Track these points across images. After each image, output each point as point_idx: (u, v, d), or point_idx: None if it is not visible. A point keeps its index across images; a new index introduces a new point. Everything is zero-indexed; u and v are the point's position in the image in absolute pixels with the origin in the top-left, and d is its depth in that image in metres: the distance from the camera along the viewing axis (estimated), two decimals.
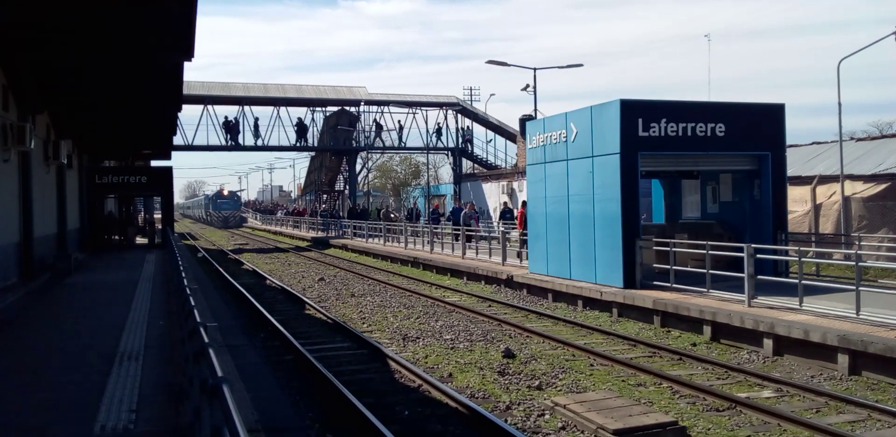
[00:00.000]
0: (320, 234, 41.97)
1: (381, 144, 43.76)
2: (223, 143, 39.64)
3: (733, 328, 10.68)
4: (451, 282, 19.79)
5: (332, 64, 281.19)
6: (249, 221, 74.57)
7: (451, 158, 46.28)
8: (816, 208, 20.53)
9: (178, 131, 32.39)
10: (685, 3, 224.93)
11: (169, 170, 30.50)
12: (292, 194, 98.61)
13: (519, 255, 19.55)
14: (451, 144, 44.42)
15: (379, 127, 42.79)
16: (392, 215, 33.51)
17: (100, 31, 11.99)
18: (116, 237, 30.58)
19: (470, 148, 44.66)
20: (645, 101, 14.26)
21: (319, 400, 8.21)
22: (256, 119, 40.25)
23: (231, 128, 39.45)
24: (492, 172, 42.54)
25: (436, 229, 26.84)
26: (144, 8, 10.61)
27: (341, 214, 43.59)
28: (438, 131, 43.35)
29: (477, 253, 21.96)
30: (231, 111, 40.14)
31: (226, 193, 75.63)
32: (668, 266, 13.01)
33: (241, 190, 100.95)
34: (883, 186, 19.34)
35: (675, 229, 15.62)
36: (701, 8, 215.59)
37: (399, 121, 43.13)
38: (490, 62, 31.21)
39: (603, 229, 14.23)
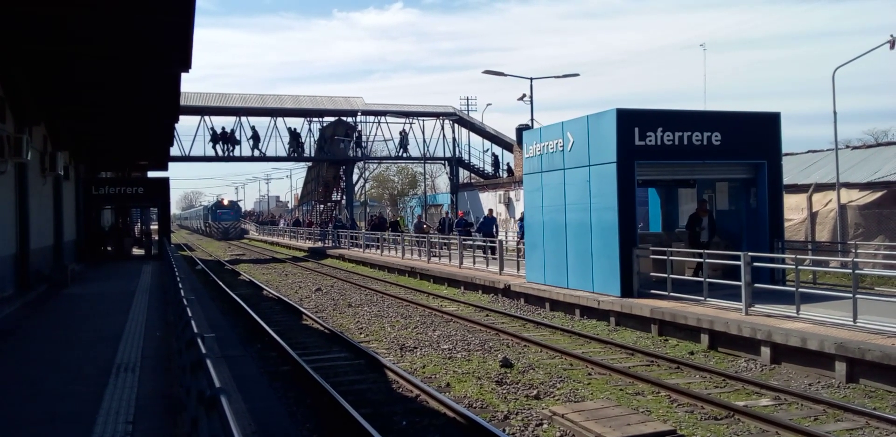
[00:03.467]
0: (318, 244, 41.91)
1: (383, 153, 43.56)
2: (219, 154, 39.61)
3: (731, 337, 10.68)
4: (448, 292, 19.77)
5: (328, 75, 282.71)
6: (251, 232, 72.79)
7: (447, 168, 46.33)
8: (813, 216, 20.57)
9: (174, 142, 32.39)
10: (680, 12, 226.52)
11: (166, 181, 30.52)
12: (289, 205, 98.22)
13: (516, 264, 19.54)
14: (448, 154, 44.47)
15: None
16: (424, 226, 31.78)
17: (98, 43, 12.05)
18: (112, 248, 30.50)
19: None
20: (641, 110, 14.31)
21: (317, 411, 8.20)
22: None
23: (228, 139, 39.42)
24: (489, 181, 42.56)
25: (465, 241, 23.39)
26: (142, 20, 10.67)
27: (348, 224, 42.44)
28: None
29: (474, 262, 21.95)
30: (228, 122, 40.16)
31: (226, 202, 73.12)
32: (666, 275, 13.03)
33: (239, 200, 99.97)
34: (879, 194, 19.40)
35: (672, 238, 15.65)
36: (696, 18, 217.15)
37: (402, 130, 42.91)
38: (486, 72, 31.38)
39: (600, 238, 14.25)
